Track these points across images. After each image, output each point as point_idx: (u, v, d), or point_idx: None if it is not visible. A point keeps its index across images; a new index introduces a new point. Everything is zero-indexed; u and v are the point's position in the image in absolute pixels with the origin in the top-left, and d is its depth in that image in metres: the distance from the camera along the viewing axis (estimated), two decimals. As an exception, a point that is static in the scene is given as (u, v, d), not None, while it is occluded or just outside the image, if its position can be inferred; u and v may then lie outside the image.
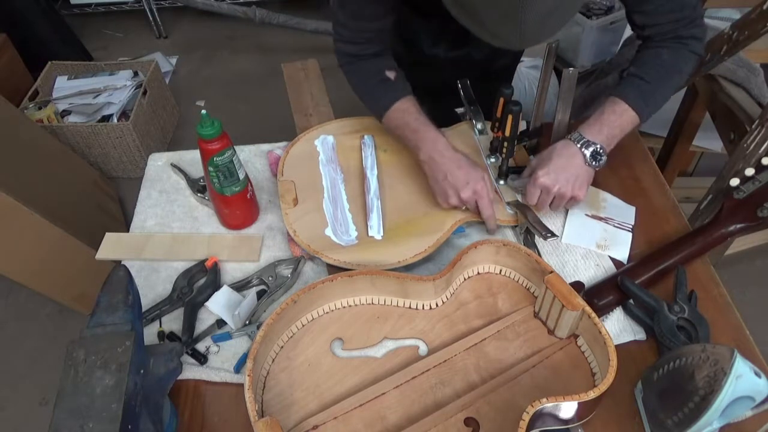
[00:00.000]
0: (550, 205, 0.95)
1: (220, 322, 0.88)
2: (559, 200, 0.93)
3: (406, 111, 0.96)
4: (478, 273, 0.89)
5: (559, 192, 0.91)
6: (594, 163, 0.91)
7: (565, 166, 0.90)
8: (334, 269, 0.91)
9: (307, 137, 1.11)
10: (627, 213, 1.00)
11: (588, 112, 1.55)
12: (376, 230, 0.95)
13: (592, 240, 0.96)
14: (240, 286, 0.92)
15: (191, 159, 1.13)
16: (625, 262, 0.94)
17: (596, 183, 1.00)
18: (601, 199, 1.02)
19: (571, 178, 0.90)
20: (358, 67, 0.99)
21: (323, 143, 1.09)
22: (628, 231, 0.98)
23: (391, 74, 0.99)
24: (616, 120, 0.91)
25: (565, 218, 0.99)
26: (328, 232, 0.95)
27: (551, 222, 0.99)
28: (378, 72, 0.98)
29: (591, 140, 0.90)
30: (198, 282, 0.93)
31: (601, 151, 0.91)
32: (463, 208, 0.95)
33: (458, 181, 0.91)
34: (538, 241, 0.94)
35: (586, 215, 1.00)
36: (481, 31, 0.72)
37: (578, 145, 0.91)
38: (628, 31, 2.22)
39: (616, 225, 0.98)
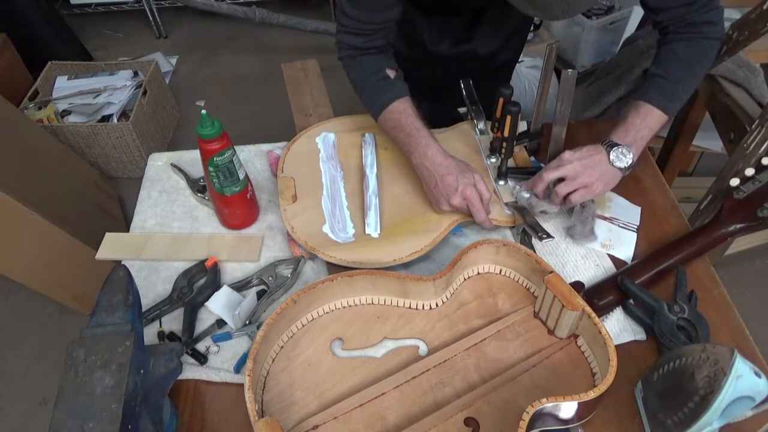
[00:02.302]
0: (570, 196, 0.91)
1: (220, 322, 0.88)
2: (583, 189, 0.90)
3: (402, 113, 0.95)
4: (478, 273, 0.89)
5: (582, 179, 0.89)
6: (618, 163, 0.90)
7: (590, 160, 0.90)
8: (333, 269, 0.91)
9: (308, 134, 1.11)
10: (632, 213, 1.00)
11: (589, 113, 1.55)
12: (373, 228, 0.94)
13: (597, 239, 0.96)
14: (240, 286, 0.92)
15: (191, 159, 1.13)
16: (630, 262, 0.94)
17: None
18: (606, 198, 1.02)
19: (596, 172, 0.90)
20: (360, 61, 0.98)
21: (324, 140, 1.09)
22: (633, 231, 0.98)
23: (391, 73, 0.98)
24: (641, 122, 0.91)
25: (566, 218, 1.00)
26: (326, 229, 0.95)
27: (551, 225, 0.99)
28: (379, 69, 0.98)
29: (616, 141, 0.91)
30: (198, 282, 0.93)
31: (626, 151, 0.90)
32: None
33: (448, 189, 0.91)
34: (535, 242, 0.94)
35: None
36: (521, 3, 0.73)
37: (603, 146, 0.91)
38: (628, 31, 2.23)
39: (621, 225, 0.98)
